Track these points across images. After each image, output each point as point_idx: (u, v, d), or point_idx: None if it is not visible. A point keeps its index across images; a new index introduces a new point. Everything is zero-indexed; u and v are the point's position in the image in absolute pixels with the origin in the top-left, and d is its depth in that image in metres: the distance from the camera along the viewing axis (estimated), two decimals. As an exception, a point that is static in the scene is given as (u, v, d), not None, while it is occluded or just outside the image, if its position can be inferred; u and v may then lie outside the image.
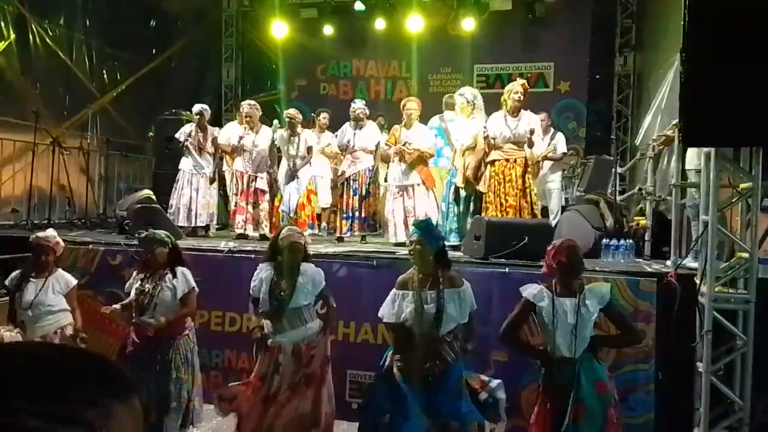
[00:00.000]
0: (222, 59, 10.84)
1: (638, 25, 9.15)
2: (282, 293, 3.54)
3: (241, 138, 6.25)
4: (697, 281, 3.68)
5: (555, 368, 3.11)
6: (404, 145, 5.73)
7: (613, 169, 6.19)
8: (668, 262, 4.61)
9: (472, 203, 5.62)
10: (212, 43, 10.85)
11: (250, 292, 3.66)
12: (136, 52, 9.55)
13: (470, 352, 3.42)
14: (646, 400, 4.08)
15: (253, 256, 4.79)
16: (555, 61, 9.45)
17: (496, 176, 5.34)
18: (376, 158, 6.23)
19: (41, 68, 7.88)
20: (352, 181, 6.07)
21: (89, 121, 8.35)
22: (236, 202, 6.37)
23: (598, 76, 9.44)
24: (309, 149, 6.26)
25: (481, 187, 5.46)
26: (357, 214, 6.03)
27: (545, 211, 6.74)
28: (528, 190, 5.31)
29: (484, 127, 5.45)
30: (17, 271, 3.99)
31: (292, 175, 6.19)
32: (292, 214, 6.12)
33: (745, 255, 3.57)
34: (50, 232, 4.14)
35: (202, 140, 6.42)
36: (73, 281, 4.09)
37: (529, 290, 3.22)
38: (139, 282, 3.76)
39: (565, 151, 7.21)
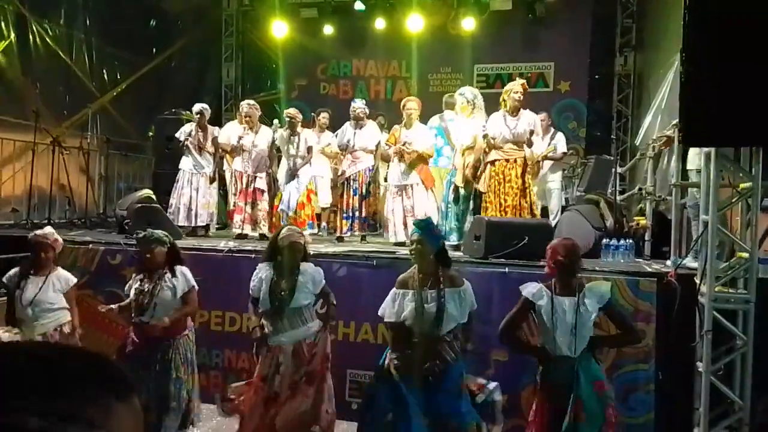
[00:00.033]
0: (222, 59, 10.85)
1: (638, 25, 9.15)
2: (282, 293, 3.54)
3: (240, 138, 6.24)
4: (697, 281, 3.68)
5: (554, 367, 3.11)
6: (404, 144, 5.73)
7: (613, 169, 6.19)
8: (668, 262, 4.61)
9: (471, 202, 5.62)
10: (212, 42, 10.85)
11: (250, 291, 3.67)
12: (137, 52, 9.55)
13: (470, 352, 3.42)
14: (646, 400, 4.08)
15: (253, 255, 4.79)
16: (555, 60, 9.45)
17: (496, 176, 5.34)
18: (377, 158, 6.23)
19: (41, 68, 7.88)
20: (352, 181, 6.07)
21: (89, 120, 8.35)
22: (235, 202, 6.37)
23: (597, 76, 9.45)
24: (309, 149, 6.26)
25: (481, 186, 5.46)
26: (357, 213, 6.03)
27: (545, 211, 6.74)
28: (527, 190, 5.31)
29: (483, 127, 5.45)
30: (15, 269, 3.98)
31: (292, 175, 6.19)
32: (291, 213, 6.12)
33: (745, 255, 3.57)
34: (48, 229, 4.14)
35: (202, 140, 6.42)
36: (73, 279, 4.09)
37: (529, 289, 3.23)
38: (139, 282, 3.76)
39: (565, 150, 7.21)
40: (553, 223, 5.68)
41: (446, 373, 3.16)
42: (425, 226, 3.36)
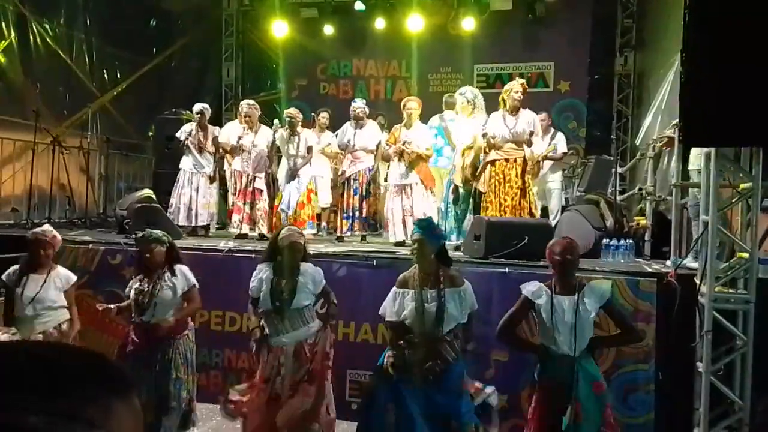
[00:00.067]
0: (222, 59, 10.85)
1: (638, 25, 9.15)
2: (283, 294, 3.54)
3: (240, 137, 6.24)
4: (697, 281, 3.68)
5: (553, 365, 3.11)
6: (404, 144, 5.73)
7: (614, 169, 6.18)
8: (668, 262, 4.61)
9: (471, 201, 5.63)
10: (212, 42, 10.85)
11: (250, 292, 3.66)
12: (137, 52, 9.56)
13: (470, 352, 3.43)
14: (646, 400, 4.08)
15: (253, 255, 4.79)
16: (555, 60, 9.45)
17: (496, 176, 5.34)
18: (377, 158, 6.23)
19: (41, 67, 7.89)
20: (352, 181, 6.07)
21: (89, 120, 8.35)
22: (233, 202, 6.37)
23: (597, 76, 9.44)
24: (309, 149, 6.26)
25: (481, 187, 5.46)
26: (357, 213, 6.03)
27: (545, 211, 6.75)
28: (527, 190, 5.32)
29: (483, 126, 5.46)
30: (15, 267, 3.96)
31: (292, 175, 6.19)
32: (291, 213, 6.12)
33: (745, 255, 3.57)
34: (47, 227, 4.15)
35: (202, 139, 6.42)
36: (73, 277, 4.09)
37: (529, 288, 3.24)
38: (138, 282, 3.76)
39: (566, 150, 7.21)
40: (553, 223, 5.68)
41: (447, 372, 3.16)
42: (426, 225, 3.36)
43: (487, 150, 5.44)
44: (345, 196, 6.12)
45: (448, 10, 9.35)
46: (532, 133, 5.33)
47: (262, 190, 6.28)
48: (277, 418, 3.47)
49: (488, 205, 5.35)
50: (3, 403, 0.52)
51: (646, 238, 5.23)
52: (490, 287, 4.30)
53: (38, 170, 6.93)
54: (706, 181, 3.60)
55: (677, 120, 3.61)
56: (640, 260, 4.99)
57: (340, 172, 6.39)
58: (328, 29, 9.89)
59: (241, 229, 6.20)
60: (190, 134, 6.41)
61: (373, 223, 6.22)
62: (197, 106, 6.55)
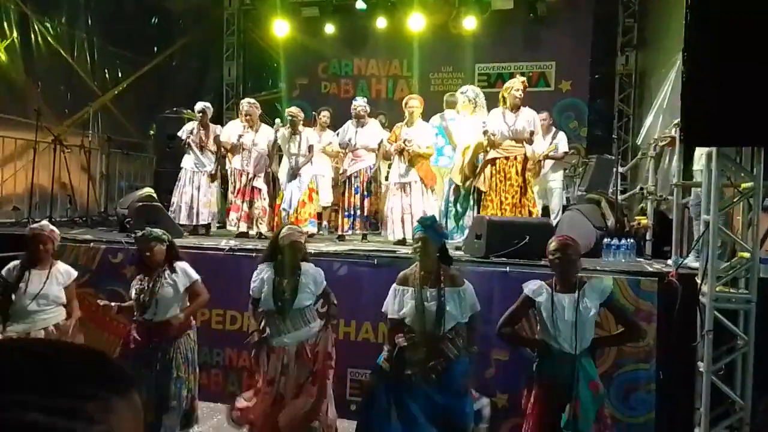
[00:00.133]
0: (223, 58, 10.85)
1: (640, 24, 9.14)
2: (285, 294, 3.54)
3: (240, 136, 6.24)
4: (698, 281, 3.68)
5: (553, 362, 3.10)
6: (404, 142, 5.73)
7: (615, 169, 6.18)
8: (669, 262, 4.61)
9: (472, 200, 5.63)
10: (213, 41, 10.86)
11: (251, 292, 3.66)
12: (138, 51, 9.56)
13: (475, 353, 3.43)
14: (647, 400, 4.08)
15: (253, 254, 4.79)
16: (556, 60, 9.44)
17: (497, 174, 5.34)
18: (378, 156, 6.23)
19: (43, 66, 7.89)
20: (353, 179, 6.08)
21: (90, 119, 8.37)
22: (232, 200, 6.37)
23: (599, 76, 9.43)
24: (310, 148, 6.25)
25: (481, 185, 5.46)
26: (359, 212, 6.03)
27: (546, 210, 6.75)
28: (528, 187, 5.33)
29: (483, 123, 5.46)
30: (15, 262, 3.94)
31: (293, 174, 6.19)
32: (293, 212, 6.12)
33: (747, 255, 3.57)
34: (44, 222, 4.16)
35: (204, 138, 6.43)
36: (74, 273, 4.09)
37: (530, 286, 3.24)
38: (139, 282, 3.77)
39: (567, 150, 7.20)
40: (554, 223, 5.69)
41: (449, 371, 3.16)
42: (430, 224, 3.36)
43: (487, 149, 5.44)
44: (346, 194, 6.12)
45: (450, 9, 9.34)
46: (532, 132, 5.33)
47: (261, 189, 6.28)
48: (279, 418, 3.47)
49: (488, 203, 5.35)
50: (3, 401, 0.52)
51: (648, 237, 5.23)
52: (491, 286, 4.29)
53: (39, 169, 6.93)
54: (708, 180, 3.60)
55: (679, 119, 3.61)
56: (641, 260, 4.99)
57: (341, 171, 6.40)
58: (329, 28, 9.89)
59: (238, 227, 6.21)
60: (191, 133, 6.42)
61: (375, 222, 6.22)
62: (199, 105, 6.55)
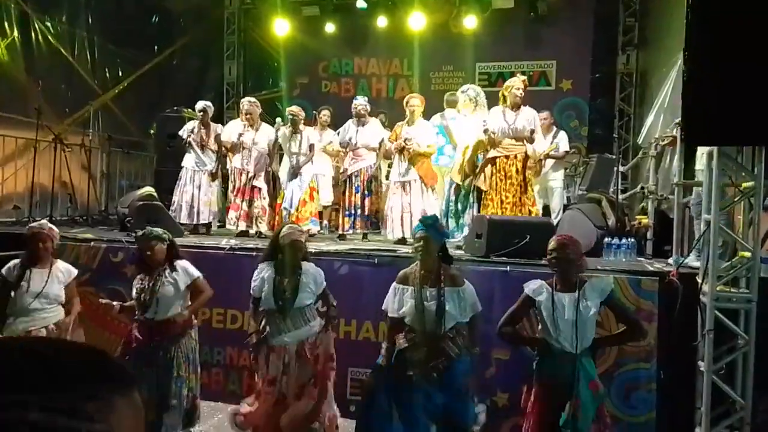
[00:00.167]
0: (224, 57, 10.85)
1: (641, 24, 9.13)
2: (286, 293, 3.54)
3: (240, 135, 6.24)
4: (699, 280, 3.67)
5: (553, 361, 3.10)
6: (405, 141, 5.73)
7: (615, 168, 6.18)
8: (670, 261, 4.60)
9: (471, 197, 5.63)
10: (214, 40, 10.85)
11: (251, 292, 3.66)
12: (138, 50, 9.56)
13: (476, 354, 3.43)
14: (648, 399, 4.08)
15: (254, 253, 4.79)
16: (557, 59, 9.42)
17: (497, 173, 5.34)
18: (379, 155, 6.23)
19: (44, 65, 7.89)
20: (354, 178, 6.08)
21: (91, 118, 8.36)
22: (231, 199, 6.37)
23: (599, 75, 9.41)
24: (311, 147, 6.25)
25: (482, 185, 5.46)
26: (359, 211, 6.03)
27: (547, 209, 6.74)
28: (528, 185, 5.33)
29: (484, 121, 5.46)
30: (15, 261, 3.94)
31: (294, 173, 6.19)
32: (294, 211, 6.12)
33: (748, 254, 3.57)
34: (43, 221, 4.16)
35: (204, 137, 6.43)
36: (74, 271, 4.09)
37: (530, 286, 3.23)
38: (140, 281, 3.77)
39: (567, 149, 7.19)
40: (554, 222, 5.68)
41: (450, 370, 3.16)
42: (432, 223, 3.36)
43: (488, 148, 5.44)
44: (347, 194, 6.11)
45: (450, 8, 9.34)
46: (533, 131, 5.32)
47: (260, 189, 6.28)
48: (281, 419, 3.48)
49: (489, 202, 5.35)
50: (3, 401, 0.52)
51: (648, 236, 5.22)
52: (492, 286, 4.29)
53: (40, 168, 6.94)
54: (708, 179, 3.59)
55: (679, 119, 3.60)
56: (642, 259, 4.99)
57: (341, 170, 6.39)
58: (330, 27, 9.89)
59: (237, 226, 6.21)
60: (192, 132, 6.42)
61: (375, 221, 6.22)
62: (200, 104, 6.55)
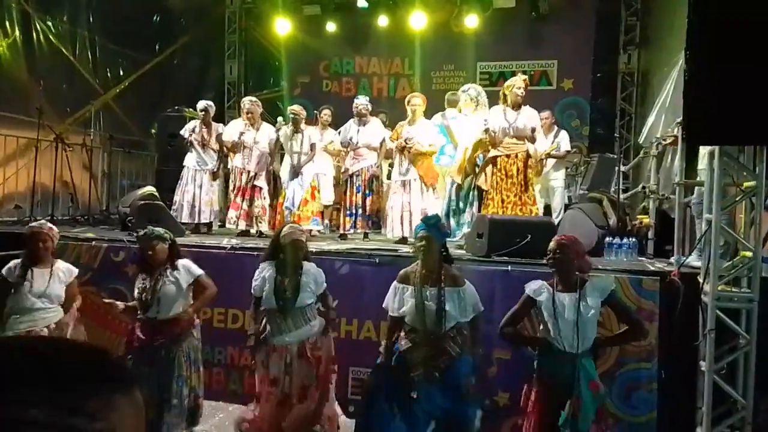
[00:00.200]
0: (225, 56, 10.84)
1: (642, 23, 9.11)
2: (287, 292, 3.54)
3: (241, 134, 6.24)
4: (701, 280, 3.67)
5: (554, 361, 3.10)
6: (405, 140, 5.73)
7: (617, 168, 6.18)
8: (671, 261, 4.60)
9: (471, 196, 5.63)
10: (215, 39, 10.85)
11: (252, 291, 3.67)
12: (139, 49, 9.56)
13: (478, 354, 3.43)
14: (649, 399, 4.07)
15: (255, 253, 4.79)
16: (558, 58, 9.41)
17: (498, 173, 5.34)
18: (380, 155, 6.23)
19: (45, 65, 7.90)
20: (355, 178, 6.08)
21: (92, 117, 8.36)
22: (232, 198, 6.37)
23: (601, 74, 9.40)
24: (312, 146, 6.25)
25: (482, 185, 5.46)
26: (360, 211, 6.03)
27: (548, 209, 6.74)
28: (528, 184, 5.33)
29: (485, 121, 5.46)
30: (15, 261, 3.94)
31: (295, 172, 6.19)
32: (295, 211, 6.12)
33: (749, 254, 3.56)
34: (42, 221, 4.17)
35: (206, 136, 6.44)
36: (75, 270, 4.10)
37: (531, 286, 3.23)
38: (141, 281, 3.78)
39: (569, 149, 7.19)
40: (556, 222, 5.68)
41: (451, 369, 3.16)
42: (433, 223, 3.36)
43: (489, 147, 5.44)
44: (348, 193, 6.11)
45: (451, 8, 9.33)
46: (534, 129, 5.32)
47: (261, 188, 6.28)
48: (284, 421, 3.48)
49: (490, 202, 5.35)
50: (4, 399, 0.52)
51: (650, 236, 5.22)
52: (493, 285, 4.29)
53: (41, 167, 6.95)
54: (710, 179, 3.59)
55: (681, 118, 3.60)
56: (643, 259, 4.98)
57: (342, 170, 6.39)
58: (331, 26, 9.88)
59: (237, 225, 6.21)
60: (193, 131, 6.43)
61: (377, 221, 6.22)
62: (201, 103, 6.56)
